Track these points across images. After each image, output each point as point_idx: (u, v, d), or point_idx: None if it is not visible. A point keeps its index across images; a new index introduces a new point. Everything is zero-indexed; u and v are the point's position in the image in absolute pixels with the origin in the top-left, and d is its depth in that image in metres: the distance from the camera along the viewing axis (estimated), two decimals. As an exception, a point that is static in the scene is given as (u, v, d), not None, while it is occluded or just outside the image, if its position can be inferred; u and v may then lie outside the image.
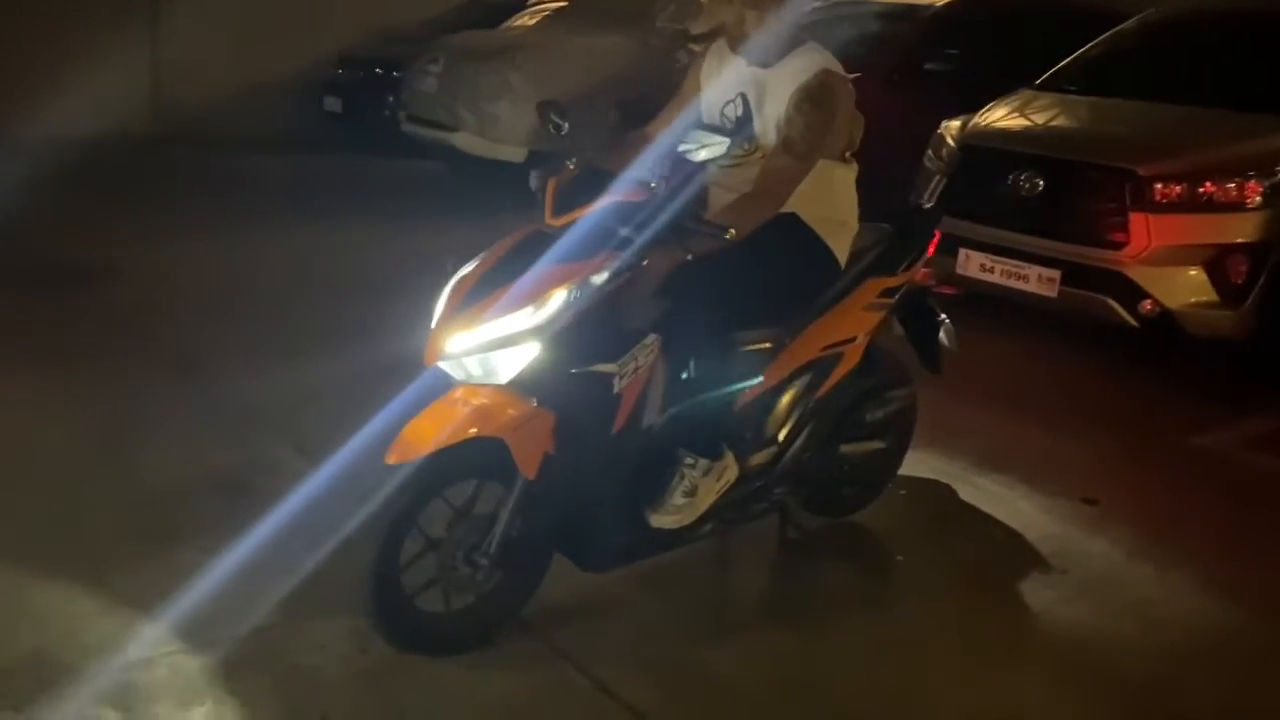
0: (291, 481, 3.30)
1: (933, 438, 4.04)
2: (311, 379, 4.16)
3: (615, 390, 2.64)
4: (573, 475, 2.68)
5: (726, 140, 2.70)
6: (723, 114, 2.96)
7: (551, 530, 2.77)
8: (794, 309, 2.99)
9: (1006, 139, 5.26)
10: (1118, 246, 4.71)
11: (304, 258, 6.26)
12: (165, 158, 9.21)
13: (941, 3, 7.22)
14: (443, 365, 2.61)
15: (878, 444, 3.37)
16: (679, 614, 3.00)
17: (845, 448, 3.27)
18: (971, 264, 5.11)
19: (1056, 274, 4.84)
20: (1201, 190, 4.62)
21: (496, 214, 2.80)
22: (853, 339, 3.13)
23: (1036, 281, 4.90)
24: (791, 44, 2.85)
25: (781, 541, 3.32)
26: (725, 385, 2.88)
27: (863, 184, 3.24)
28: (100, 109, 9.09)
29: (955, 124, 5.49)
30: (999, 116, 5.48)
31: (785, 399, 3.07)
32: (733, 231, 2.60)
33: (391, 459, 2.52)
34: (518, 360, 2.54)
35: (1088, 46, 6.04)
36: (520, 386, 2.60)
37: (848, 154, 2.99)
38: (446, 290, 2.64)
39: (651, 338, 2.68)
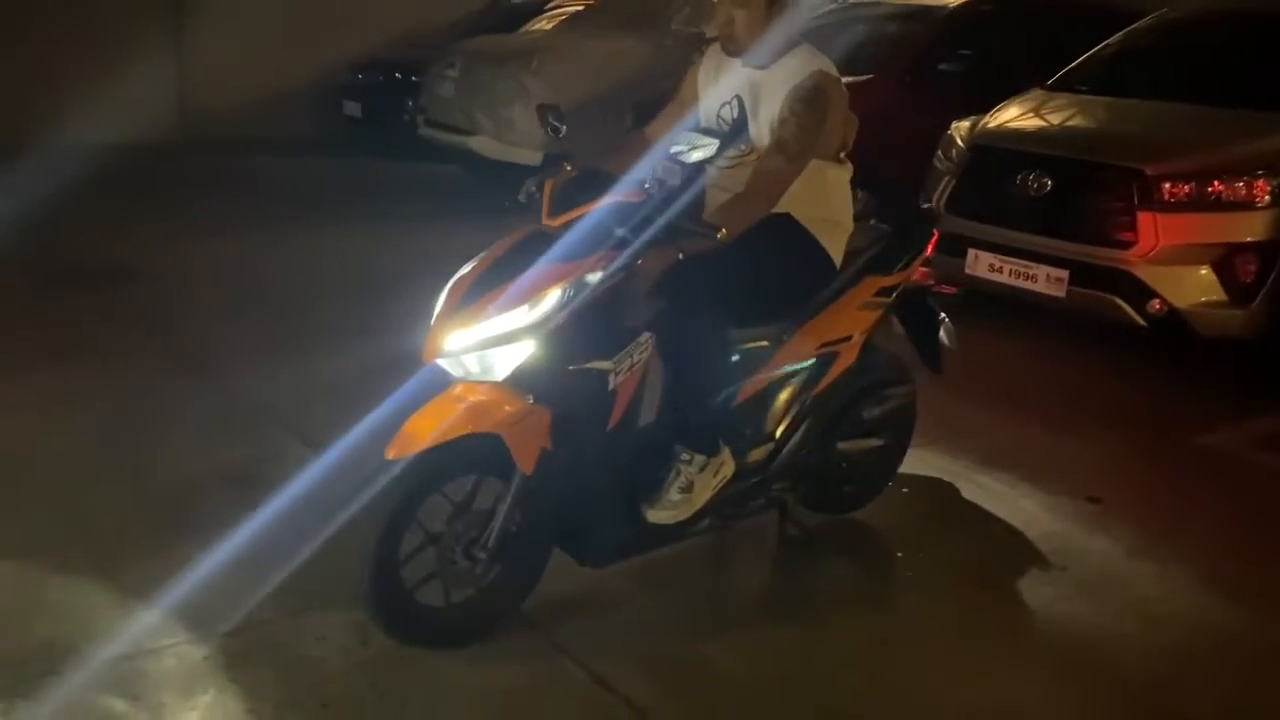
0: (298, 476, 3.37)
1: (936, 436, 4.07)
2: (322, 376, 4.26)
3: (610, 387, 2.68)
4: (570, 471, 2.73)
5: (716, 142, 2.74)
6: (719, 116, 3.01)
7: (550, 525, 2.82)
8: (789, 308, 3.02)
9: (1015, 139, 5.27)
10: (1126, 246, 4.70)
11: (318, 259, 6.36)
12: (188, 162, 9.35)
13: (956, 4, 7.22)
14: (441, 363, 2.66)
15: (876, 441, 3.39)
16: (678, 610, 3.04)
17: (843, 445, 3.29)
18: (980, 264, 5.12)
19: (1065, 274, 4.84)
20: (1210, 189, 4.61)
21: (501, 215, 2.84)
22: (849, 337, 3.16)
23: (1045, 281, 4.90)
24: (786, 46, 2.89)
25: (781, 539, 3.35)
26: (721, 383, 2.91)
27: (875, 185, 3.27)
28: (126, 116, 9.24)
29: (965, 125, 5.50)
30: (1008, 117, 5.49)
31: (782, 396, 3.10)
32: (724, 231, 2.64)
33: (391, 454, 2.57)
34: (514, 357, 2.58)
35: (1100, 46, 6.04)
36: (518, 383, 2.65)
37: (842, 155, 3.02)
38: (445, 289, 2.69)
39: (646, 335, 2.72)
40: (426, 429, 2.58)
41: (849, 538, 3.48)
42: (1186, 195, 4.63)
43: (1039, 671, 2.85)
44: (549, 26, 9.30)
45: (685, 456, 2.85)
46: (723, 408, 2.95)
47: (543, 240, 2.67)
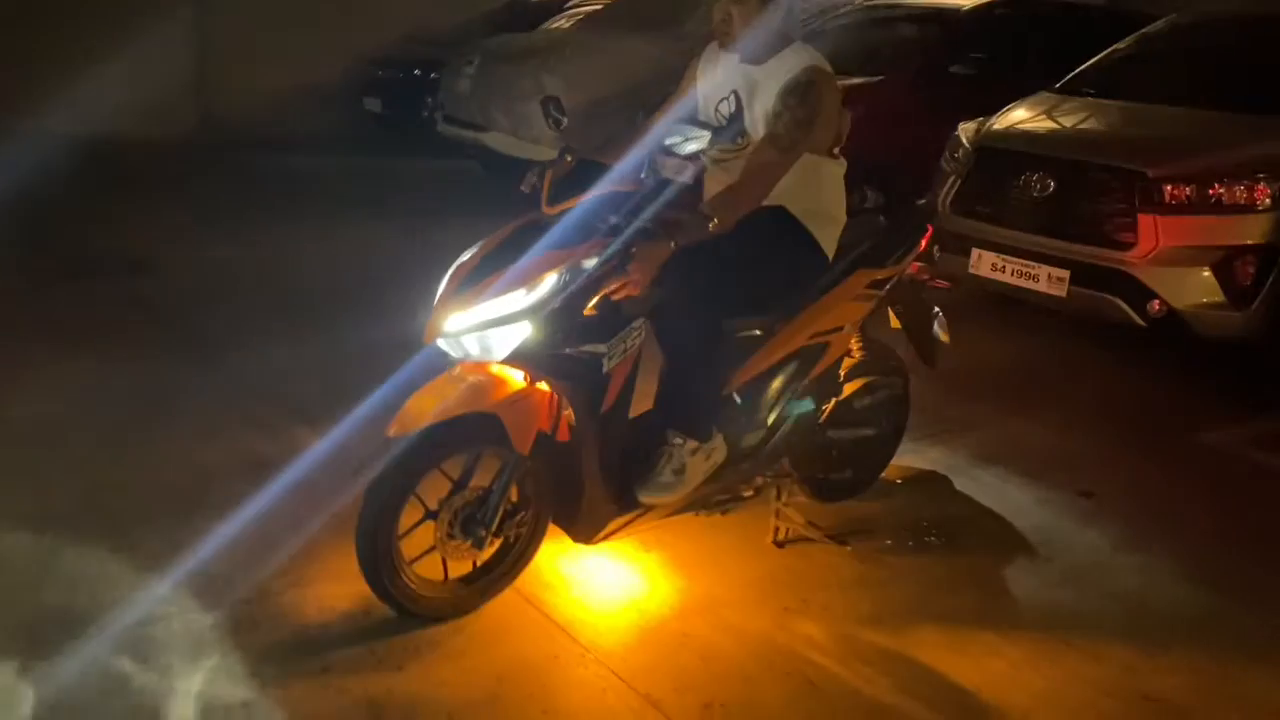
0: (306, 457, 3.49)
1: (934, 431, 4.15)
2: (334, 363, 4.40)
3: (604, 370, 2.78)
4: (564, 450, 2.82)
5: (708, 134, 2.83)
6: (716, 111, 3.10)
7: (545, 503, 2.92)
8: (782, 298, 3.11)
9: (1019, 140, 5.33)
10: (1126, 247, 4.76)
11: (334, 251, 6.51)
12: (207, 156, 9.52)
13: (970, 6, 7.28)
14: (441, 344, 2.76)
15: (868, 431, 3.47)
16: (668, 589, 3.12)
17: (834, 433, 3.38)
18: (983, 264, 5.18)
19: (1066, 274, 4.89)
20: (1211, 192, 4.66)
21: (514, 210, 2.94)
22: (840, 328, 3.24)
23: (1046, 281, 4.96)
24: (781, 43, 2.98)
25: (774, 529, 3.42)
26: (714, 370, 3.00)
27: (885, 186, 3.34)
28: (145, 110, 9.45)
29: (971, 126, 5.56)
30: (1014, 119, 5.55)
31: (774, 384, 3.18)
32: (715, 220, 2.73)
33: (392, 431, 2.68)
34: (512, 339, 2.68)
35: (1110, 50, 6.08)
36: (516, 364, 2.75)
37: (835, 150, 3.11)
38: (448, 273, 2.79)
39: (640, 321, 2.82)
40: (426, 408, 2.68)
41: (839, 525, 3.54)
42: (1187, 198, 4.68)
43: (1013, 652, 2.92)
44: (567, 25, 9.41)
45: (678, 440, 2.94)
46: (715, 395, 3.04)
47: (540, 228, 2.78)
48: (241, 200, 7.87)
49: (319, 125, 10.29)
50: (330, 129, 10.30)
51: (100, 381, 4.35)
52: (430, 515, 2.81)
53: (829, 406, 3.32)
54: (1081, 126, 5.42)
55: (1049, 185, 4.99)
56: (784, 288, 3.10)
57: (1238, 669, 2.92)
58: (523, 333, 2.67)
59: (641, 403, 2.93)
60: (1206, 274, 4.67)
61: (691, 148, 2.83)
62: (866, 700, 2.71)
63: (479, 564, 2.91)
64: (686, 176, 2.93)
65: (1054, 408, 4.62)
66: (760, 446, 3.18)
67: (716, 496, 3.15)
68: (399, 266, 6.04)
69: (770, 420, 3.19)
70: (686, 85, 3.21)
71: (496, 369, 2.77)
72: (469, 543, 2.83)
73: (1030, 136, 5.36)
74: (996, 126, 5.48)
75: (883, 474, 3.70)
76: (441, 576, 2.88)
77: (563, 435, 2.83)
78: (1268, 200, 4.62)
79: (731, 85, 3.04)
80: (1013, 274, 5.09)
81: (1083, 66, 5.98)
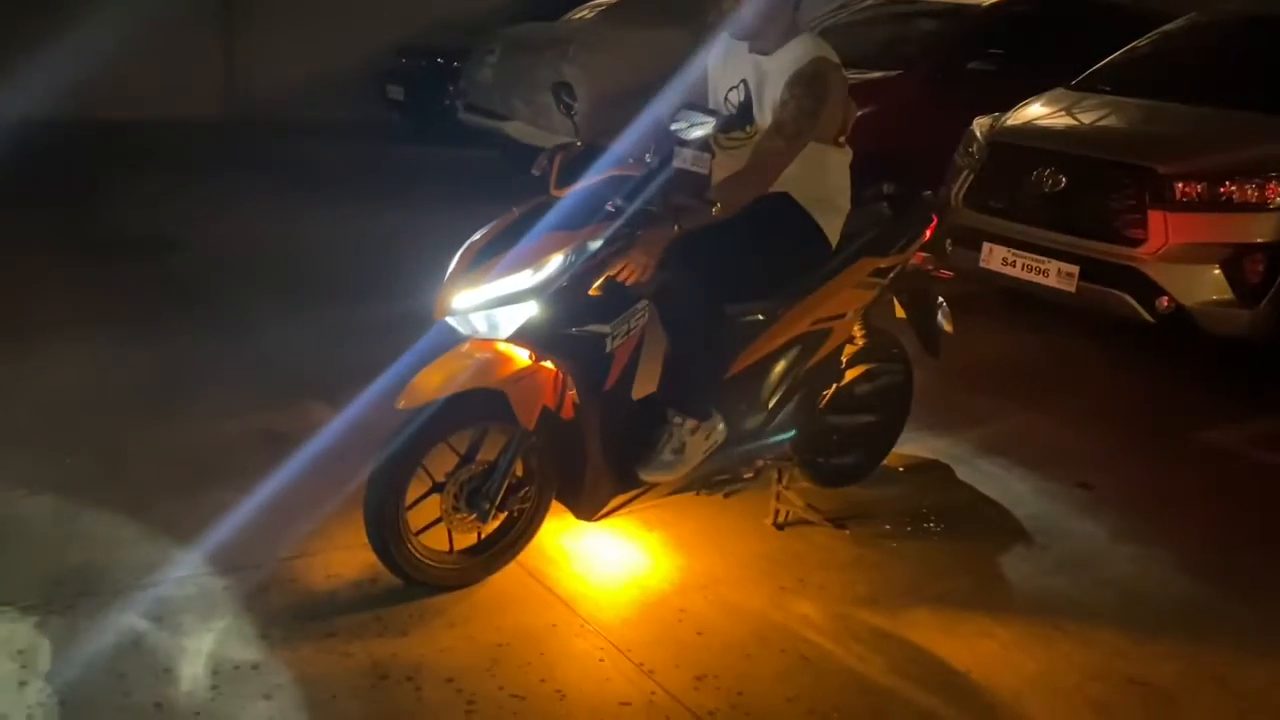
0: (321, 430, 3.59)
1: (938, 421, 4.20)
2: (352, 342, 4.50)
3: (608, 349, 2.86)
4: (568, 427, 2.90)
5: (712, 119, 2.90)
6: (726, 99, 3.16)
7: (549, 479, 3.00)
8: (785, 284, 3.17)
9: (1032, 136, 5.36)
10: (1136, 243, 4.79)
11: (355, 235, 6.64)
12: (234, 141, 9.67)
13: (989, 2, 7.29)
14: (450, 320, 2.84)
15: (869, 417, 3.53)
16: (669, 567, 3.19)
17: (835, 418, 3.44)
18: (994, 258, 5.22)
19: (1075, 269, 4.92)
20: (1221, 190, 4.68)
21: (531, 196, 3.03)
22: (842, 315, 3.30)
23: (1056, 276, 4.99)
24: (790, 33, 3.05)
25: (775, 511, 3.47)
26: (717, 353, 3.07)
27: (901, 179, 3.38)
28: (176, 95, 9.60)
29: (986, 121, 5.60)
30: (1029, 115, 5.58)
31: (776, 369, 3.24)
32: (718, 205, 2.80)
33: (401, 404, 2.76)
34: (518, 317, 2.76)
35: (1128, 47, 6.09)
36: (522, 342, 2.83)
37: (841, 139, 3.16)
38: (458, 253, 2.87)
39: (643, 303, 2.89)
40: (434, 382, 2.77)
41: (839, 509, 3.59)
42: (1198, 195, 4.70)
43: (1005, 635, 2.98)
44: (589, 15, 9.47)
45: (677, 419, 3.01)
46: (717, 377, 3.10)
47: (549, 210, 2.85)
48: (266, 184, 8.00)
49: (344, 112, 10.41)
50: (354, 116, 10.42)
51: (127, 352, 4.49)
52: (437, 488, 2.89)
53: (829, 391, 3.38)
54: (1095, 123, 5.44)
55: (1060, 181, 5.02)
56: (787, 273, 3.16)
57: (1227, 658, 2.96)
58: (528, 311, 2.75)
59: (645, 384, 3.00)
60: (1216, 271, 4.70)
61: (698, 133, 2.89)
62: (859, 677, 2.78)
63: (483, 537, 2.99)
64: (703, 168, 2.99)
65: (1057, 402, 4.66)
66: (761, 429, 3.24)
67: (717, 477, 3.22)
68: (414, 250, 6.13)
69: (771, 404, 3.25)
70: (696, 71, 3.28)
71: (503, 346, 2.85)
72: (474, 516, 2.91)
73: (1043, 132, 5.39)
74: (1011, 122, 5.52)
75: (885, 461, 3.76)
76: (447, 548, 2.96)
77: (567, 413, 2.91)
78: (1278, 199, 4.64)
79: (741, 74, 3.10)
80: (1023, 268, 5.13)
81: (1100, 64, 6.00)
